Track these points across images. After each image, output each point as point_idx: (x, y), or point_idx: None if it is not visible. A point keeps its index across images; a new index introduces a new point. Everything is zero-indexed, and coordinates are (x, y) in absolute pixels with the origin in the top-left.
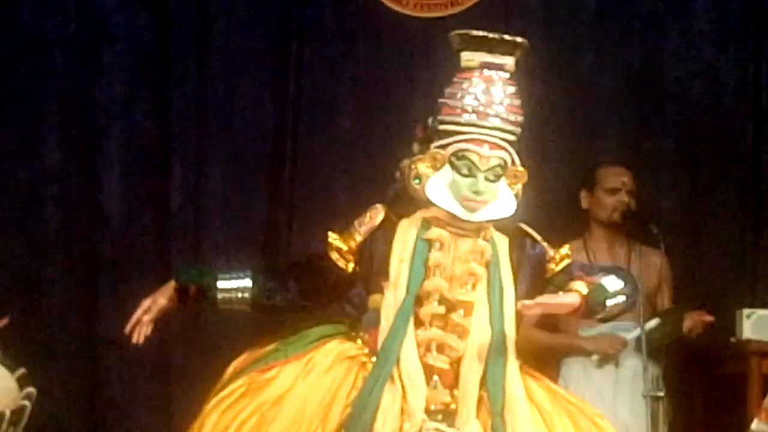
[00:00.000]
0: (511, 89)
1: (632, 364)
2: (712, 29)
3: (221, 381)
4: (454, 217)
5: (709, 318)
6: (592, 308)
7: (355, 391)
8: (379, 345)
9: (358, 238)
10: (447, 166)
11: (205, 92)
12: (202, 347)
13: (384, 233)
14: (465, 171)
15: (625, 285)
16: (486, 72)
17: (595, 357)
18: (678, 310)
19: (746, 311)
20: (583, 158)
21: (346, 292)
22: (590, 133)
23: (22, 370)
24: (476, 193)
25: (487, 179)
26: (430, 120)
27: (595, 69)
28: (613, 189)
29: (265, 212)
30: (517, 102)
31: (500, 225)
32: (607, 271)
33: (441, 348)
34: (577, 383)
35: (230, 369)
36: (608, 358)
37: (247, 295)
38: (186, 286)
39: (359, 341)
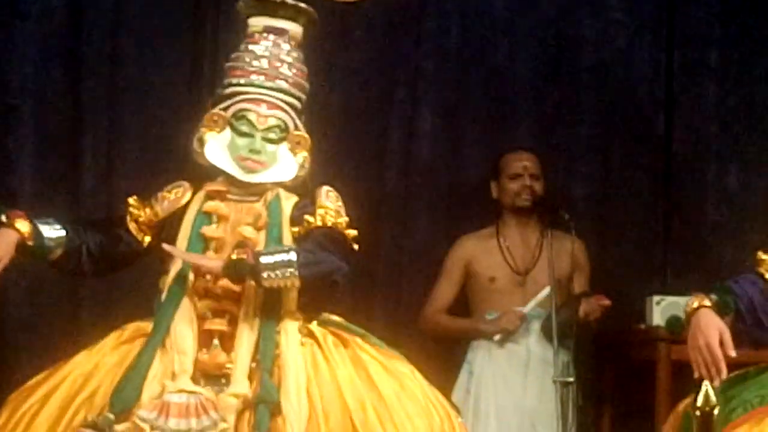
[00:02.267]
0: (295, 54)
1: (541, 350)
2: (626, 18)
3: None
4: (233, 183)
5: (605, 302)
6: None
7: None
8: (153, 322)
9: (159, 213)
10: (227, 129)
11: (119, 72)
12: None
13: (182, 213)
14: (243, 130)
15: (296, 256)
16: (270, 36)
17: (497, 337)
18: (577, 295)
19: (656, 298)
20: (498, 146)
21: (136, 261)
22: (505, 121)
23: None
24: (252, 151)
25: (265, 139)
26: (219, 90)
27: (510, 57)
28: (515, 174)
29: None
30: (301, 68)
31: (294, 188)
32: (281, 249)
33: (217, 314)
34: (481, 368)
35: None
36: (509, 334)
37: (59, 248)
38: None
39: None
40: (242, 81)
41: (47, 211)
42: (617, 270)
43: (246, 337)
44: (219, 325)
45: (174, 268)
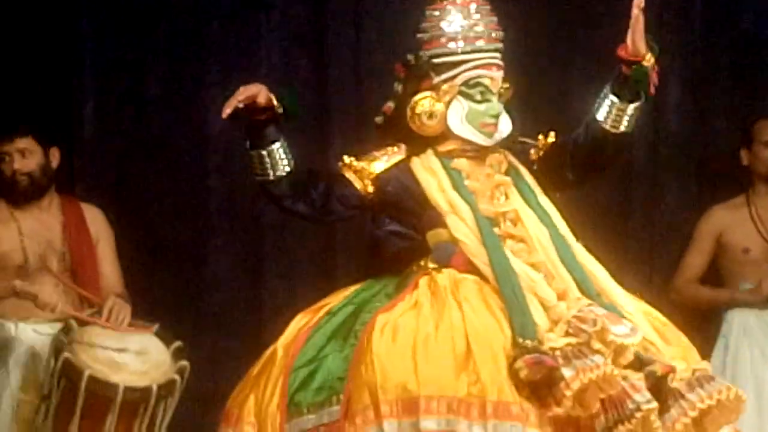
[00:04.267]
0: (485, 8)
1: None
2: None
3: None
4: (468, 143)
5: None
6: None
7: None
8: (487, 264)
9: (380, 165)
10: (459, 97)
11: (362, 60)
12: None
13: (403, 169)
14: (479, 97)
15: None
16: None
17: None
18: None
19: None
20: (745, 114)
21: (358, 212)
22: (753, 89)
23: (177, 344)
24: (494, 116)
25: (499, 100)
26: (410, 57)
27: (755, 22)
28: None
29: None
30: (495, 20)
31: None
32: None
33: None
34: (737, 341)
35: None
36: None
37: (281, 185)
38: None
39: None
40: (466, 48)
41: None
42: None
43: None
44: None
45: (452, 217)
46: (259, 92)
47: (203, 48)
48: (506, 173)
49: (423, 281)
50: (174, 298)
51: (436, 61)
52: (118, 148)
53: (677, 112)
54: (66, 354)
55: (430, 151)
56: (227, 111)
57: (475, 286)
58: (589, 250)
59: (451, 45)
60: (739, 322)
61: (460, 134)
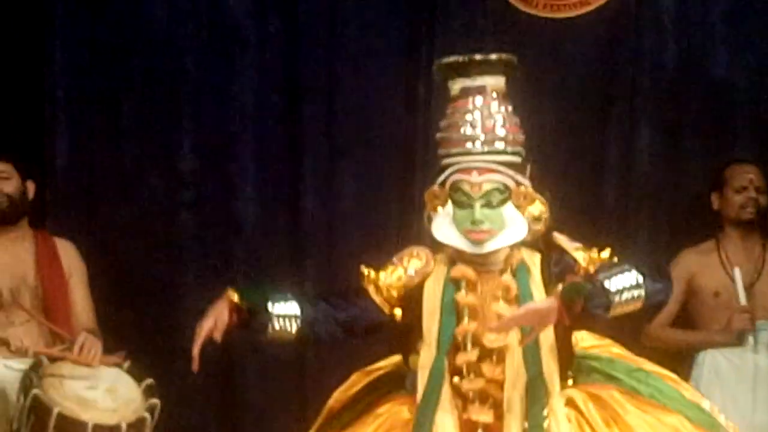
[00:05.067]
0: (502, 108)
1: None
2: None
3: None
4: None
5: None
6: (588, 309)
7: None
8: (415, 415)
9: (403, 278)
10: (449, 202)
11: (336, 97)
12: (334, 349)
13: (418, 287)
14: (461, 201)
15: (644, 279)
16: (471, 97)
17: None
18: None
19: None
20: (716, 159)
21: (382, 330)
22: (725, 133)
23: (148, 381)
24: (474, 223)
25: (485, 206)
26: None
27: (728, 67)
28: (742, 187)
29: (398, 216)
30: (512, 120)
31: (531, 240)
32: (622, 268)
33: (483, 398)
34: (708, 386)
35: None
36: (743, 336)
37: (295, 324)
38: (239, 306)
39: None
40: (453, 151)
41: (270, 237)
42: None
43: (514, 429)
44: (485, 415)
45: (426, 348)
46: (213, 326)
47: (177, 83)
48: (516, 299)
49: (383, 409)
50: (144, 334)
51: (441, 162)
52: (90, 181)
53: (648, 154)
54: (35, 390)
55: (441, 257)
56: (196, 360)
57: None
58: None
59: (445, 148)
60: (710, 365)
61: (443, 240)
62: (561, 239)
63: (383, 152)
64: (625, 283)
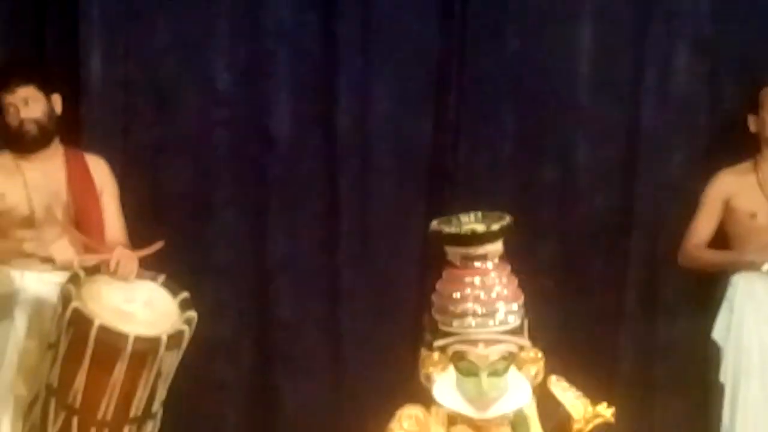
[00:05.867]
0: (499, 272)
1: None
2: None
3: None
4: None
5: None
6: None
7: None
8: None
9: None
10: (450, 367)
11: (371, 14)
12: (369, 270)
13: None
14: (467, 371)
15: None
16: (467, 268)
17: (765, 267)
18: None
19: None
20: (756, 80)
21: None
22: (762, 53)
23: (184, 294)
24: (480, 393)
25: (491, 375)
26: (435, 318)
27: None
28: None
29: (431, 134)
30: (506, 288)
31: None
32: None
33: None
34: (742, 304)
35: None
36: None
37: None
38: None
39: None
40: (455, 323)
41: (303, 154)
42: None
43: None
44: None
45: None
46: None
47: (212, 1)
48: None
49: None
50: (177, 250)
51: (439, 326)
52: (126, 99)
53: (686, 75)
54: (75, 303)
55: (439, 412)
56: None
57: None
58: None
59: (444, 317)
60: (744, 286)
61: (446, 405)
62: (558, 389)
63: (417, 70)
64: None
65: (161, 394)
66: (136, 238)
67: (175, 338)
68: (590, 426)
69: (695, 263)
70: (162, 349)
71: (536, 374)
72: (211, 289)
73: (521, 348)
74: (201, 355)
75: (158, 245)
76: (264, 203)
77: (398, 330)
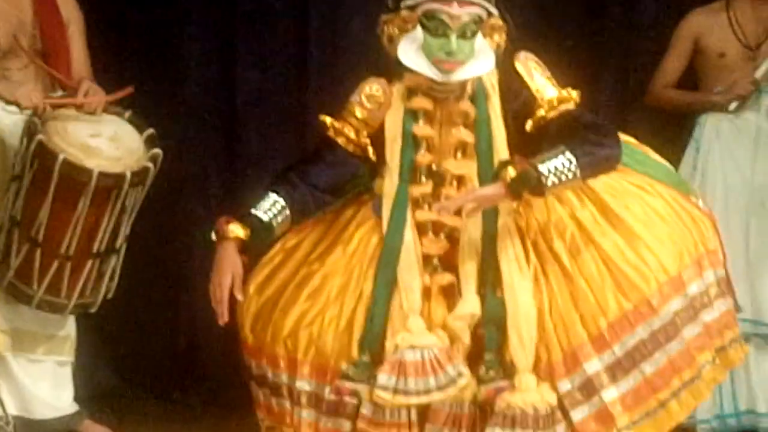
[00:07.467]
0: None
1: None
2: None
3: None
4: (432, 80)
5: None
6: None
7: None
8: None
9: (370, 120)
10: (418, 27)
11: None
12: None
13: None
14: (436, 30)
15: (576, 158)
16: None
17: (732, 106)
18: None
19: None
20: None
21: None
22: None
23: (150, 131)
24: (449, 54)
25: (460, 38)
26: None
27: None
28: None
29: None
30: None
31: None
32: (557, 152)
33: (437, 227)
34: (708, 145)
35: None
36: (744, 101)
37: (287, 215)
38: (243, 240)
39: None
40: None
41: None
42: None
43: (468, 255)
44: (439, 249)
45: (389, 176)
46: (232, 283)
47: None
48: (474, 124)
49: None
50: (144, 84)
51: None
52: None
53: None
54: (40, 136)
55: (403, 82)
56: (225, 316)
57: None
58: None
59: None
60: (711, 126)
61: (409, 65)
62: (524, 70)
63: None
64: (558, 165)
65: (125, 229)
66: (102, 71)
67: (139, 175)
68: (554, 113)
69: (663, 103)
70: (126, 185)
71: (499, 44)
72: (179, 124)
73: (489, 14)
74: (170, 191)
75: (128, 90)
76: (232, 37)
77: None
